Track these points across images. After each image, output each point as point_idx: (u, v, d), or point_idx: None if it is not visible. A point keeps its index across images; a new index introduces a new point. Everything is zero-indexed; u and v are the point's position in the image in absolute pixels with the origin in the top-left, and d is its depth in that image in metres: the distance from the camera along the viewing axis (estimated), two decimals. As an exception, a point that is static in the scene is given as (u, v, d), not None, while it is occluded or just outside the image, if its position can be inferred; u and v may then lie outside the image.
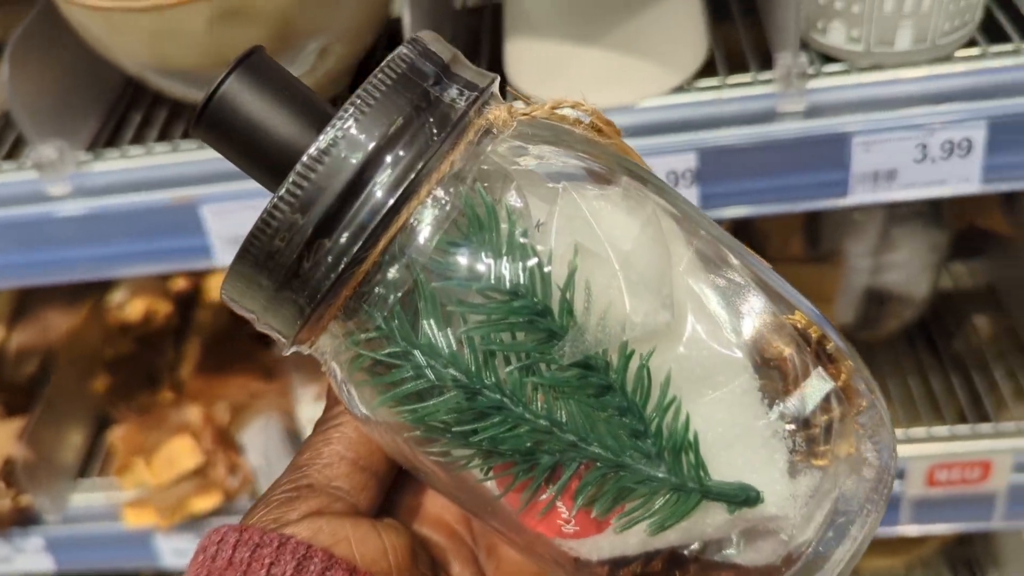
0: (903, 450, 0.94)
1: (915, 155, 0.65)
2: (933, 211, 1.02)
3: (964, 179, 0.66)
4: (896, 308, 1.07)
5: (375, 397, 0.30)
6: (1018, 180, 0.65)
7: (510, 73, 0.73)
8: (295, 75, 0.74)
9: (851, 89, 0.66)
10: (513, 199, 0.29)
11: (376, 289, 0.29)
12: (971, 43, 0.68)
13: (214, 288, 1.11)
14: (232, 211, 0.71)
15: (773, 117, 0.66)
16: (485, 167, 0.30)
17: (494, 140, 0.30)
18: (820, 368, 0.31)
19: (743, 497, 0.30)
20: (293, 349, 0.31)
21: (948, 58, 0.67)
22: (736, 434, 0.30)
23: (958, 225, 1.08)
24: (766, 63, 0.70)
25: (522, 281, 0.28)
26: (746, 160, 0.66)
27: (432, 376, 0.29)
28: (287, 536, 0.31)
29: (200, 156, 0.74)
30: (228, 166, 0.73)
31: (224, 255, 0.73)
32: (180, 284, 1.14)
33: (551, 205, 0.29)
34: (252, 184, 0.73)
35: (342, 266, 0.28)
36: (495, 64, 0.76)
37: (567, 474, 0.30)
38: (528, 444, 0.29)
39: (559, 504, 0.31)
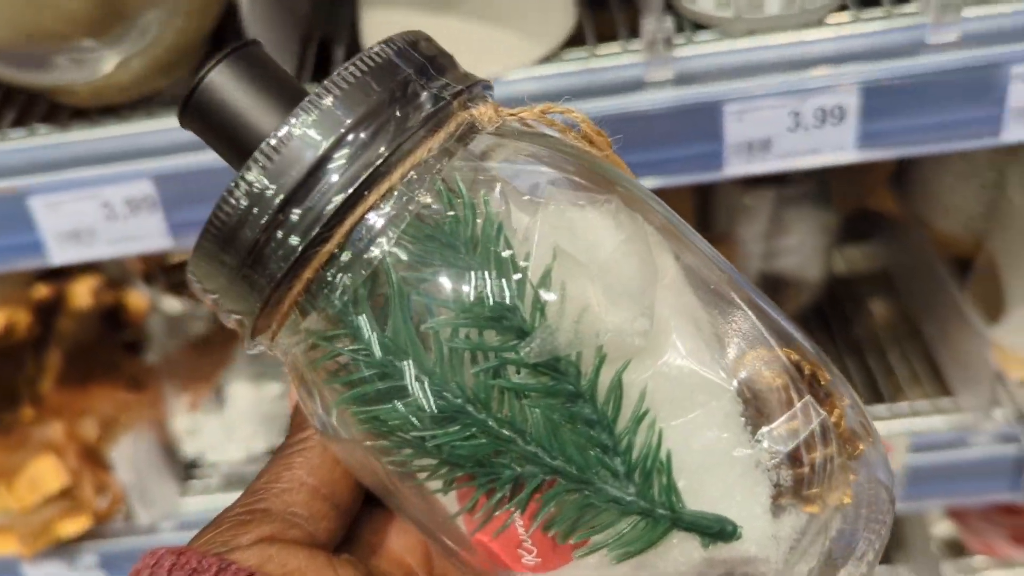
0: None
1: (788, 123, 0.62)
2: (822, 192, 1.01)
3: (839, 147, 0.63)
4: (791, 292, 1.06)
5: (336, 398, 0.29)
6: (893, 147, 0.63)
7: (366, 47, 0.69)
8: (137, 48, 0.67)
9: (721, 56, 0.64)
10: (495, 198, 0.28)
11: (339, 276, 0.28)
12: (842, 7, 0.66)
13: (78, 295, 1.04)
14: (66, 202, 0.65)
15: (642, 86, 0.63)
16: (469, 165, 0.29)
17: (478, 136, 0.29)
18: (811, 400, 0.29)
19: (717, 529, 0.27)
20: (258, 347, 0.30)
21: (819, 23, 0.65)
22: (714, 461, 0.28)
23: (848, 207, 1.08)
24: (636, 36, 0.67)
25: (494, 275, 0.27)
26: (615, 132, 0.62)
27: (393, 374, 0.27)
28: (228, 562, 0.29)
29: (29, 143, 0.68)
30: (60, 153, 0.67)
31: (59, 252, 0.66)
32: (42, 292, 1.06)
33: (535, 211, 0.28)
34: (88, 172, 0.67)
35: (302, 246, 0.27)
36: (353, 39, 0.71)
37: (528, 488, 0.28)
38: (488, 453, 0.27)
39: (520, 528, 0.28)
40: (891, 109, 0.62)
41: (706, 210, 1.03)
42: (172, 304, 1.01)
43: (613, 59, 0.65)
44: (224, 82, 0.29)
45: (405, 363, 0.27)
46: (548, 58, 0.66)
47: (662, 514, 0.27)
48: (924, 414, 0.96)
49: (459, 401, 0.27)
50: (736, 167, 0.64)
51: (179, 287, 0.98)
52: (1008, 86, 0.61)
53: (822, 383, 0.29)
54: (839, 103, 0.61)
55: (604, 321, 0.27)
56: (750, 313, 0.29)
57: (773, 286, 1.05)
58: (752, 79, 0.62)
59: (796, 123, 0.62)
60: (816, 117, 0.62)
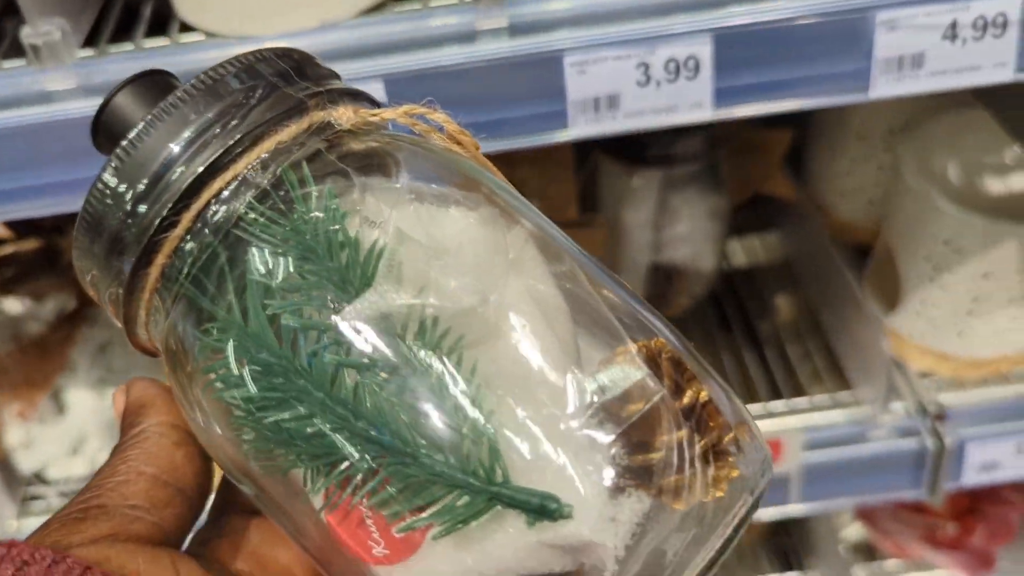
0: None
1: (638, 77, 0.56)
2: (714, 175, 0.95)
3: (697, 104, 0.57)
4: (684, 282, 1.00)
5: (202, 385, 0.29)
6: (755, 103, 0.57)
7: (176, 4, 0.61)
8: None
9: (562, 1, 0.57)
10: (349, 193, 0.29)
11: (187, 260, 0.29)
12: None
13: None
14: None
15: (473, 37, 0.56)
16: (321, 159, 0.30)
17: (336, 134, 0.30)
18: (651, 376, 0.28)
19: (537, 504, 0.26)
20: (142, 337, 0.31)
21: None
22: (545, 437, 0.27)
23: (743, 193, 1.02)
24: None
25: (331, 252, 0.28)
26: (445, 88, 0.56)
27: (234, 355, 0.28)
28: (64, 554, 0.27)
29: None
30: None
31: None
32: None
33: (391, 206, 0.29)
34: None
35: (152, 232, 0.29)
36: (163, -5, 0.63)
37: (360, 467, 0.27)
38: (322, 432, 0.27)
39: (368, 518, 0.28)
40: (750, 61, 0.56)
41: (591, 194, 0.97)
42: (10, 304, 0.92)
43: (445, 10, 0.59)
44: (126, 105, 0.31)
45: (244, 345, 0.28)
46: (376, 8, 0.59)
47: (480, 487, 0.26)
48: (823, 408, 0.91)
49: (301, 382, 0.27)
50: (582, 127, 0.57)
51: (9, 283, 0.88)
52: (874, 35, 0.55)
53: (684, 373, 0.29)
54: (691, 53, 0.55)
55: (440, 298, 0.28)
56: (608, 308, 0.29)
57: (664, 276, 0.99)
58: (593, 28, 0.55)
59: (646, 77, 0.56)
60: (668, 70, 0.56)
